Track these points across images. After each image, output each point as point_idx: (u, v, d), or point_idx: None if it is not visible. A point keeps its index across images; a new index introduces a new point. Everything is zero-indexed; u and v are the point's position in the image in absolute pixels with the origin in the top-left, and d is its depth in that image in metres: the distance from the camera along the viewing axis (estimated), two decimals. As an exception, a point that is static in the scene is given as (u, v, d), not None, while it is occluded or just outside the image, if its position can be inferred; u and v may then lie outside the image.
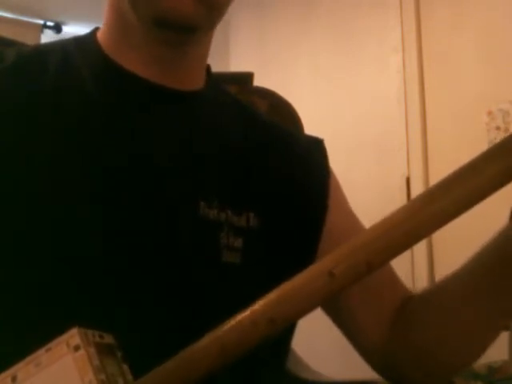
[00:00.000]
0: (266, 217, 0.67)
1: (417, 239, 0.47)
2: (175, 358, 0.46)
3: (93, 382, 0.39)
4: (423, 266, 2.45)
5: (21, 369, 0.40)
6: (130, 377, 0.43)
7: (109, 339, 0.43)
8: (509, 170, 0.46)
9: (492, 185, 0.46)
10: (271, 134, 0.76)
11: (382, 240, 0.46)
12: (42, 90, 0.64)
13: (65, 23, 4.08)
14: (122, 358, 0.44)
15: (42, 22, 4.01)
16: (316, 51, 3.06)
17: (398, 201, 2.50)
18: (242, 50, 3.50)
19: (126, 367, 0.43)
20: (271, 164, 0.72)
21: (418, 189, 2.50)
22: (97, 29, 0.71)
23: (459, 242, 2.12)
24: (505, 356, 1.32)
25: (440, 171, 2.43)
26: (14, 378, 0.40)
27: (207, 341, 0.46)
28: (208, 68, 0.74)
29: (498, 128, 2.29)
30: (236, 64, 3.45)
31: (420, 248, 2.43)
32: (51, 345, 0.40)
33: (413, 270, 2.45)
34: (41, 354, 0.40)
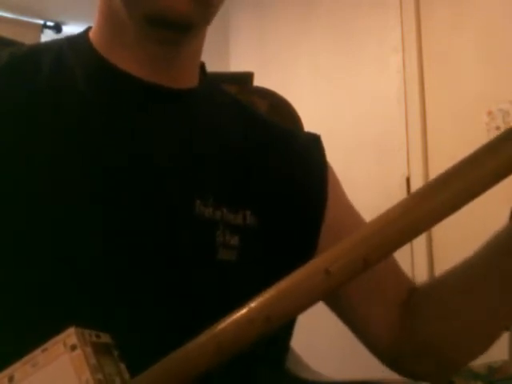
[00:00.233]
0: (263, 215, 0.67)
1: (414, 234, 0.47)
2: (171, 356, 0.46)
3: (90, 382, 0.39)
4: (423, 266, 2.45)
5: (18, 369, 0.40)
6: (127, 376, 0.43)
7: (106, 338, 0.43)
8: (508, 163, 0.46)
9: (491, 178, 0.46)
10: (271, 133, 0.76)
11: (379, 236, 0.46)
12: (38, 89, 0.64)
13: (65, 23, 4.08)
14: (119, 357, 0.43)
15: (42, 22, 4.01)
16: (316, 51, 3.06)
17: (397, 201, 2.50)
18: (242, 50, 3.50)
19: (123, 366, 0.43)
20: (270, 163, 0.72)
21: (418, 189, 2.50)
22: (89, 28, 0.71)
23: (459, 241, 2.12)
24: (505, 356, 1.32)
25: (440, 171, 2.42)
26: (10, 378, 0.40)
27: (204, 338, 0.46)
28: (202, 66, 0.73)
29: (497, 128, 2.29)
30: (236, 64, 3.45)
31: (420, 247, 2.43)
32: (48, 345, 0.40)
33: (413, 269, 2.44)
34: (37, 354, 0.40)
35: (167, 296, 0.60)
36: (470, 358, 0.71)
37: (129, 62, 0.66)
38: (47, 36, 3.96)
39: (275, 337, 0.48)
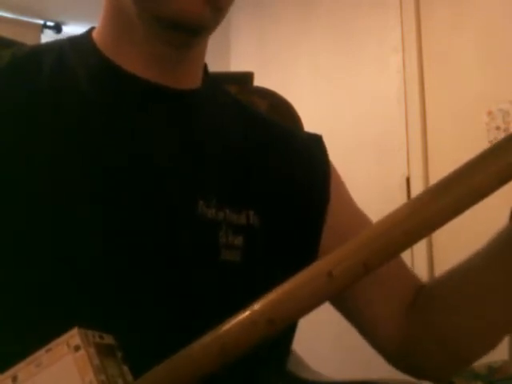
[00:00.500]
0: (266, 215, 0.67)
1: (416, 239, 0.47)
2: (175, 358, 0.46)
3: (93, 383, 0.39)
4: (423, 267, 2.45)
5: (21, 369, 0.40)
6: (130, 378, 0.43)
7: (109, 340, 0.44)
8: (510, 168, 0.46)
9: (493, 183, 0.46)
10: (271, 133, 0.76)
11: (381, 240, 0.46)
12: (39, 89, 0.63)
13: (65, 23, 4.08)
14: (122, 358, 0.44)
15: (42, 22, 4.01)
16: (316, 51, 3.06)
17: (398, 201, 2.50)
18: (242, 50, 3.50)
19: (126, 368, 0.43)
20: (271, 163, 0.72)
21: (418, 189, 2.50)
22: (92, 28, 0.71)
23: (459, 242, 2.12)
24: (505, 356, 1.33)
25: (440, 171, 2.43)
26: (14, 379, 0.40)
27: (207, 340, 0.46)
28: (205, 67, 0.74)
29: (497, 128, 2.29)
30: (236, 64, 3.45)
31: (420, 249, 2.43)
32: (52, 345, 0.41)
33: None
34: (41, 355, 0.41)
35: (167, 296, 0.60)
36: (483, 351, 0.70)
37: (134, 62, 0.66)
38: (47, 36, 3.96)
39: (278, 340, 0.48)
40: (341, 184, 0.78)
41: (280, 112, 1.06)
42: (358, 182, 2.59)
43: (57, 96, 0.63)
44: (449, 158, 2.39)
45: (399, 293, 0.74)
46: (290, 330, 0.71)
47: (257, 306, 0.45)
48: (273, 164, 0.72)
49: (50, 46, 0.69)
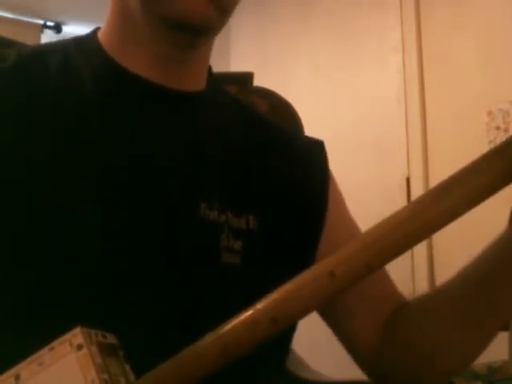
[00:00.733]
0: (265, 218, 0.67)
1: (417, 241, 0.47)
2: (177, 357, 0.46)
3: (95, 381, 0.39)
4: (423, 268, 2.45)
5: (24, 368, 0.41)
6: (132, 377, 0.43)
7: (111, 339, 0.44)
8: (509, 171, 0.46)
9: (493, 185, 0.46)
10: (271, 134, 0.76)
11: (383, 241, 0.47)
12: (43, 90, 0.64)
13: (65, 23, 4.08)
14: (124, 357, 0.44)
15: (42, 22, 4.01)
16: (316, 51, 3.06)
17: (398, 201, 2.50)
18: (242, 50, 3.50)
19: (128, 367, 0.43)
20: (271, 164, 0.72)
21: (417, 189, 2.50)
22: (97, 29, 0.71)
23: (459, 242, 2.13)
24: (505, 356, 1.32)
25: (440, 171, 2.43)
26: (17, 377, 0.40)
27: (209, 340, 0.46)
28: (209, 69, 0.74)
29: (497, 128, 2.29)
30: (236, 64, 3.45)
31: (420, 249, 2.42)
32: (54, 344, 0.41)
33: (413, 271, 2.45)
34: (44, 353, 0.41)
35: (167, 296, 0.60)
36: (453, 368, 0.71)
37: (139, 63, 0.66)
38: (47, 36, 3.96)
39: (278, 338, 0.48)
40: (338, 194, 0.78)
41: (280, 112, 1.06)
42: (358, 182, 2.59)
43: (59, 96, 0.63)
44: (449, 158, 2.39)
45: (378, 308, 0.73)
46: (290, 329, 0.71)
47: (259, 305, 0.46)
48: (273, 164, 0.72)
49: (55, 47, 0.69)
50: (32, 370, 0.40)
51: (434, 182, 2.45)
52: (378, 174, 2.69)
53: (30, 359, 0.41)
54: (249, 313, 0.46)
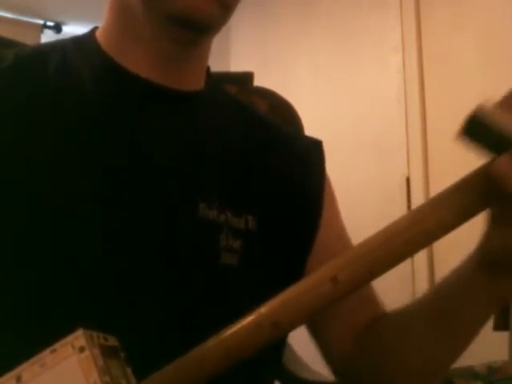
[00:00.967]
0: (264, 218, 0.68)
1: (418, 248, 0.48)
2: (180, 360, 0.46)
3: (97, 383, 0.39)
4: (423, 268, 2.45)
5: (26, 369, 0.41)
6: (133, 380, 0.43)
7: (113, 341, 0.44)
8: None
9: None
10: (271, 134, 0.76)
11: (384, 247, 0.47)
12: (42, 90, 0.64)
13: (65, 23, 4.08)
14: (126, 360, 0.44)
15: (42, 22, 4.01)
16: (316, 51, 3.06)
17: (398, 201, 2.50)
18: (242, 50, 3.50)
19: (129, 370, 0.43)
20: (271, 164, 0.72)
21: (417, 189, 2.50)
22: (95, 28, 0.71)
23: (459, 243, 2.12)
24: (505, 356, 1.32)
25: (440, 171, 2.43)
26: (18, 379, 0.40)
27: (212, 343, 0.46)
28: (208, 69, 0.74)
29: (498, 128, 2.29)
30: (236, 64, 3.45)
31: (420, 252, 2.42)
32: (56, 346, 0.41)
33: (413, 272, 2.44)
34: (46, 355, 0.41)
35: (167, 296, 0.60)
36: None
37: (138, 62, 0.65)
38: (47, 36, 3.96)
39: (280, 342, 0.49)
40: (332, 195, 0.77)
41: (280, 112, 1.06)
42: (358, 181, 2.59)
43: (59, 96, 0.63)
44: (449, 158, 2.39)
45: (354, 319, 0.73)
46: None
47: (262, 310, 0.46)
48: (272, 165, 0.72)
49: (54, 46, 0.69)
50: (34, 371, 0.40)
51: (433, 182, 2.45)
52: (377, 174, 2.69)
53: (31, 361, 0.41)
54: (251, 317, 0.46)
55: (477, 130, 0.41)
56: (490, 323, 1.46)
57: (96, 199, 0.60)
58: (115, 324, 0.47)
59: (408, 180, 2.58)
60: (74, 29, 4.01)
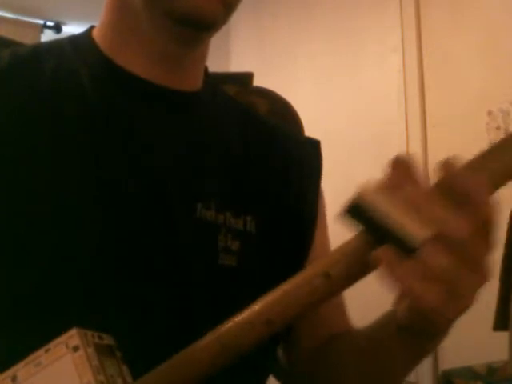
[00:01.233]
0: (262, 220, 0.68)
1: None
2: (174, 358, 0.46)
3: (91, 383, 0.39)
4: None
5: (20, 369, 0.41)
6: (129, 378, 0.43)
7: (108, 340, 0.44)
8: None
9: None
10: (269, 134, 0.76)
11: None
12: (40, 90, 0.63)
13: (65, 23, 4.08)
14: (122, 358, 0.44)
15: (42, 22, 4.01)
16: (316, 51, 3.06)
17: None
18: (242, 50, 3.50)
19: (125, 368, 0.43)
20: (269, 165, 0.72)
21: (417, 189, 2.50)
22: (92, 27, 0.70)
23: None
24: (505, 356, 1.32)
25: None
26: (13, 378, 0.40)
27: (207, 341, 0.46)
28: (205, 69, 0.73)
29: (498, 128, 2.29)
30: (236, 64, 3.45)
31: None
32: (51, 345, 0.41)
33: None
34: (40, 355, 0.41)
35: (166, 296, 0.60)
36: None
37: (136, 61, 0.65)
38: (47, 36, 3.96)
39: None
40: (322, 199, 0.77)
41: (280, 112, 1.06)
42: (358, 181, 2.59)
43: (58, 96, 0.63)
44: (449, 158, 2.38)
45: (314, 334, 0.72)
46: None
47: (255, 307, 0.46)
48: (271, 165, 0.72)
49: (50, 46, 0.69)
50: (28, 371, 0.40)
51: (433, 182, 2.44)
52: (377, 173, 2.69)
53: (26, 360, 0.41)
54: (245, 314, 0.46)
55: (358, 215, 0.43)
56: (490, 323, 1.45)
57: (96, 199, 0.60)
58: (115, 324, 0.47)
59: (408, 180, 2.58)
60: (73, 29, 4.01)
